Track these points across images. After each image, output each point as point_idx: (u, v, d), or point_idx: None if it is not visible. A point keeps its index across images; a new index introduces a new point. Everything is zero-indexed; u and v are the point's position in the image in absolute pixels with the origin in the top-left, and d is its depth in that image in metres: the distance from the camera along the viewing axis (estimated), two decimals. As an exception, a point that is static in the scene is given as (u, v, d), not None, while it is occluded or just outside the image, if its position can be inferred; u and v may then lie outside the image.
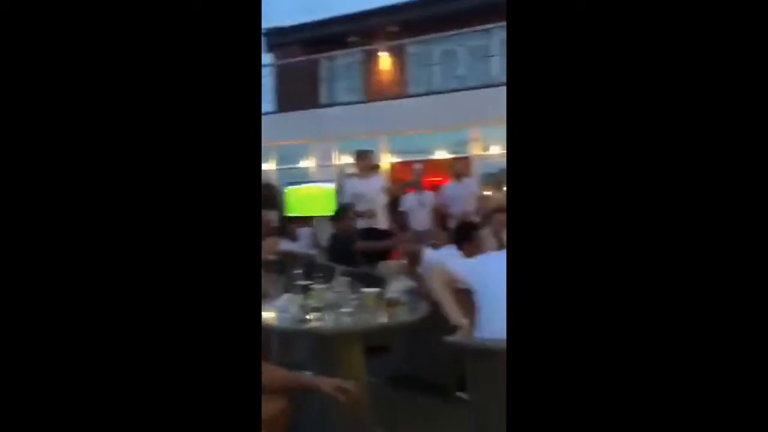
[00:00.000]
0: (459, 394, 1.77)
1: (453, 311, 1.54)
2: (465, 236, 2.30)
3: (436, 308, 1.77)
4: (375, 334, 1.72)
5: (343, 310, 1.64)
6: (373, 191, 3.64)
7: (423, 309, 1.71)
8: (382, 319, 1.64)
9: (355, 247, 3.01)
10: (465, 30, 6.80)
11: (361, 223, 3.38)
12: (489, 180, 5.10)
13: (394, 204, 4.08)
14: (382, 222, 3.60)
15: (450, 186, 4.46)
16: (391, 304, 1.69)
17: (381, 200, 3.66)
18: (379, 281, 1.96)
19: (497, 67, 6.38)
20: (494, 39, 6.57)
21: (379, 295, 1.75)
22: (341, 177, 6.08)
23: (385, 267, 2.39)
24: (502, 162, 6.02)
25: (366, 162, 3.75)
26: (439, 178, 5.56)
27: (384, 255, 3.08)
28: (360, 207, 3.42)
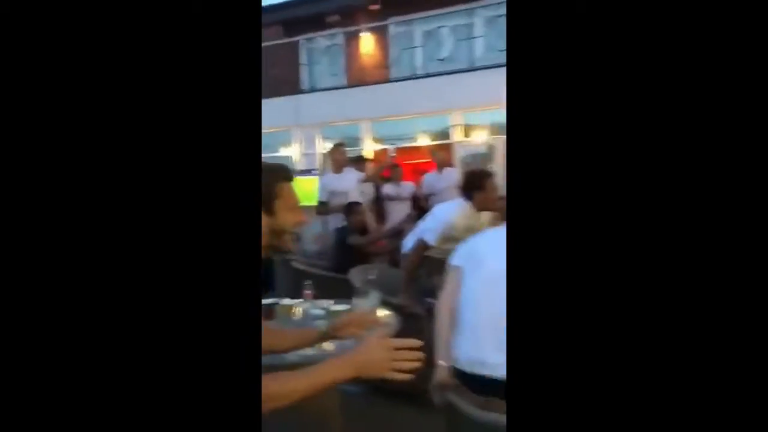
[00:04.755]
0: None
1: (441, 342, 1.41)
2: (476, 185, 2.09)
3: (407, 321, 1.78)
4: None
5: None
6: (348, 187, 3.55)
7: (392, 327, 1.71)
8: (347, 345, 1.57)
9: (351, 241, 2.94)
10: (448, 9, 6.63)
11: (337, 222, 3.34)
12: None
13: (376, 196, 4.03)
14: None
15: (430, 176, 4.42)
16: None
17: (356, 195, 3.60)
18: (350, 292, 1.95)
19: (481, 48, 6.26)
20: (478, 18, 6.42)
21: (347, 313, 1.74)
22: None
23: (357, 274, 2.36)
24: (482, 147, 5.99)
25: (338, 155, 3.59)
26: (424, 160, 5.53)
27: (362, 257, 3.06)
28: (334, 203, 3.37)
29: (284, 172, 1.04)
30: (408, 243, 2.33)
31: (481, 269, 1.44)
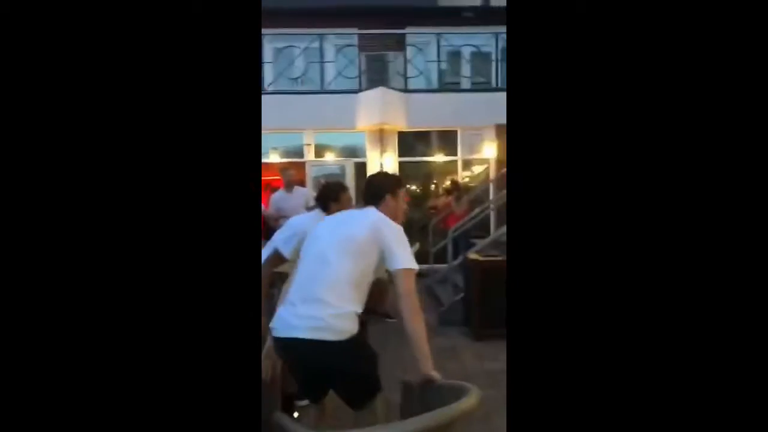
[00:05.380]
0: None
1: None
2: (332, 197, 2.11)
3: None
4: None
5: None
6: None
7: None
8: None
9: None
10: (299, 30, 6.69)
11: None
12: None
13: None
14: None
15: (279, 195, 4.29)
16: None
17: None
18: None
19: (332, 73, 6.45)
20: (328, 44, 6.62)
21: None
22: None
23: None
24: (334, 168, 6.13)
25: None
26: (274, 178, 5.37)
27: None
28: None
29: None
30: (263, 257, 2.19)
31: (311, 248, 1.56)
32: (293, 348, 1.41)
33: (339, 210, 2.16)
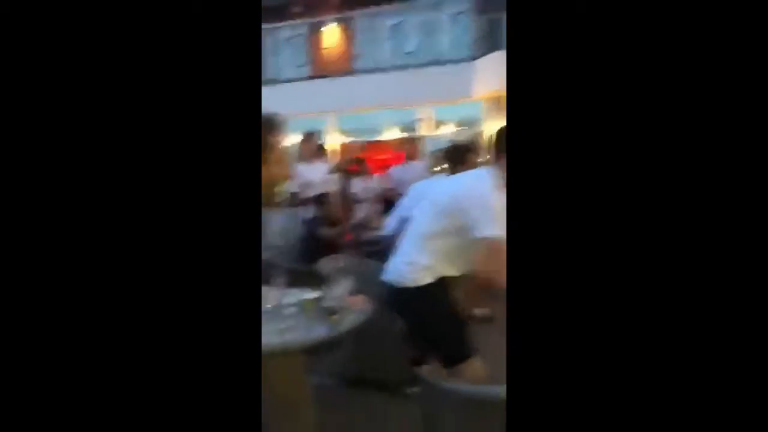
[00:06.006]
0: (408, 390, 1.80)
1: None
2: (458, 159, 2.03)
3: (378, 309, 1.77)
4: (316, 348, 1.69)
5: (282, 325, 1.58)
6: (322, 178, 3.51)
7: (365, 313, 1.69)
8: (320, 332, 1.60)
9: (321, 233, 2.91)
10: (413, 3, 6.63)
11: (307, 213, 3.28)
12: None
13: (344, 190, 3.99)
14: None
15: (397, 169, 4.41)
16: (331, 312, 1.65)
17: (330, 187, 3.55)
18: (319, 281, 1.91)
19: (446, 43, 6.31)
20: (443, 14, 6.46)
21: (319, 301, 1.71)
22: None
23: (327, 264, 2.32)
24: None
25: (310, 145, 3.55)
26: (387, 156, 5.54)
27: (330, 249, 3.02)
28: (306, 195, 3.31)
29: (273, 123, 0.98)
30: (389, 226, 2.31)
31: (421, 203, 1.67)
32: (385, 289, 1.60)
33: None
